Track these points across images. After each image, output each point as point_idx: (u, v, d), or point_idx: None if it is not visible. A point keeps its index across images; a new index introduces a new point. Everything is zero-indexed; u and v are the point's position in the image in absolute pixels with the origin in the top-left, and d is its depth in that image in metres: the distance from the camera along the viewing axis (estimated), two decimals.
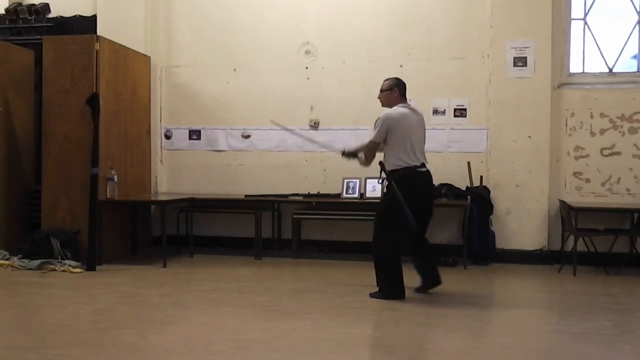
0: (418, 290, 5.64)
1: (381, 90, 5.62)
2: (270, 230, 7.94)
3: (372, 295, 5.45)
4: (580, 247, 6.77)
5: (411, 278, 5.56)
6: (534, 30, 7.28)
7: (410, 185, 5.35)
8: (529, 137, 7.31)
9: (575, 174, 7.37)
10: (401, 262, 5.39)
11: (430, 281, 5.62)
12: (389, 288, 5.41)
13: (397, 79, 5.64)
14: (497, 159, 7.41)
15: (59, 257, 6.65)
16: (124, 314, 4.95)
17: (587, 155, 7.34)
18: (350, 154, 5.79)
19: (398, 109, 5.48)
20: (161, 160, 8.34)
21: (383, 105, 5.63)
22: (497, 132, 7.41)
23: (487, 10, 7.44)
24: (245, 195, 7.70)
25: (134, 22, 8.04)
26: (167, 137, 8.33)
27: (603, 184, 7.31)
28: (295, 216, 7.59)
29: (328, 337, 4.36)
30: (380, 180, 5.57)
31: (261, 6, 8.08)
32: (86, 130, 6.89)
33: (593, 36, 7.47)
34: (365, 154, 5.65)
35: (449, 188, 7.32)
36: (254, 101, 8.05)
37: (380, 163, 5.52)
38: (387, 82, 5.63)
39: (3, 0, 8.64)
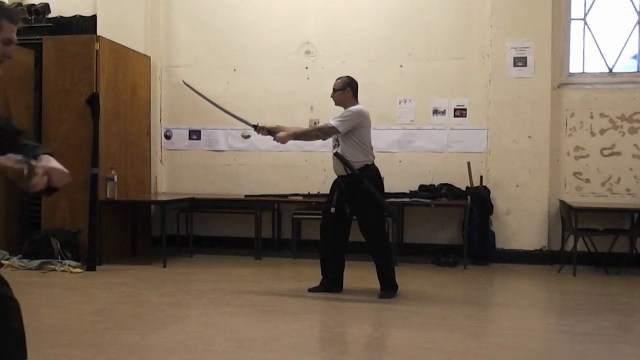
0: (315, 289, 5.64)
1: (334, 90, 5.58)
2: (270, 230, 7.94)
3: (384, 296, 5.38)
4: (580, 247, 6.76)
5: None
6: (534, 30, 7.28)
7: (379, 181, 5.52)
8: (529, 137, 7.31)
9: (575, 174, 7.37)
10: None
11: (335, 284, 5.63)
12: (394, 285, 5.49)
13: (349, 77, 5.60)
14: (497, 159, 7.41)
15: (59, 257, 6.65)
16: (124, 314, 4.94)
17: (587, 155, 7.33)
18: (265, 130, 5.67)
19: (363, 107, 5.52)
20: (161, 160, 8.34)
21: (337, 104, 5.62)
22: (497, 132, 7.41)
23: (487, 10, 7.44)
24: (245, 195, 7.70)
25: (134, 22, 8.03)
26: (167, 137, 8.33)
27: (603, 184, 7.31)
28: (295, 216, 7.59)
29: (328, 337, 4.36)
30: (347, 177, 5.43)
31: (261, 6, 8.07)
32: (86, 130, 6.89)
33: (593, 36, 7.47)
34: (316, 136, 5.65)
35: (449, 188, 7.32)
36: (254, 101, 8.04)
37: (340, 156, 5.42)
38: (339, 81, 5.58)
39: (3, 0, 8.62)
